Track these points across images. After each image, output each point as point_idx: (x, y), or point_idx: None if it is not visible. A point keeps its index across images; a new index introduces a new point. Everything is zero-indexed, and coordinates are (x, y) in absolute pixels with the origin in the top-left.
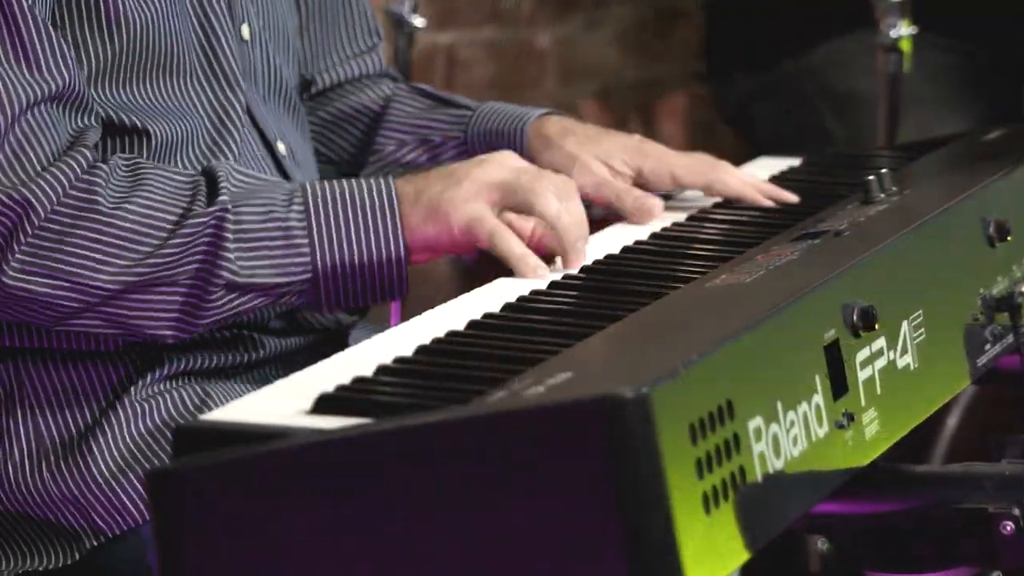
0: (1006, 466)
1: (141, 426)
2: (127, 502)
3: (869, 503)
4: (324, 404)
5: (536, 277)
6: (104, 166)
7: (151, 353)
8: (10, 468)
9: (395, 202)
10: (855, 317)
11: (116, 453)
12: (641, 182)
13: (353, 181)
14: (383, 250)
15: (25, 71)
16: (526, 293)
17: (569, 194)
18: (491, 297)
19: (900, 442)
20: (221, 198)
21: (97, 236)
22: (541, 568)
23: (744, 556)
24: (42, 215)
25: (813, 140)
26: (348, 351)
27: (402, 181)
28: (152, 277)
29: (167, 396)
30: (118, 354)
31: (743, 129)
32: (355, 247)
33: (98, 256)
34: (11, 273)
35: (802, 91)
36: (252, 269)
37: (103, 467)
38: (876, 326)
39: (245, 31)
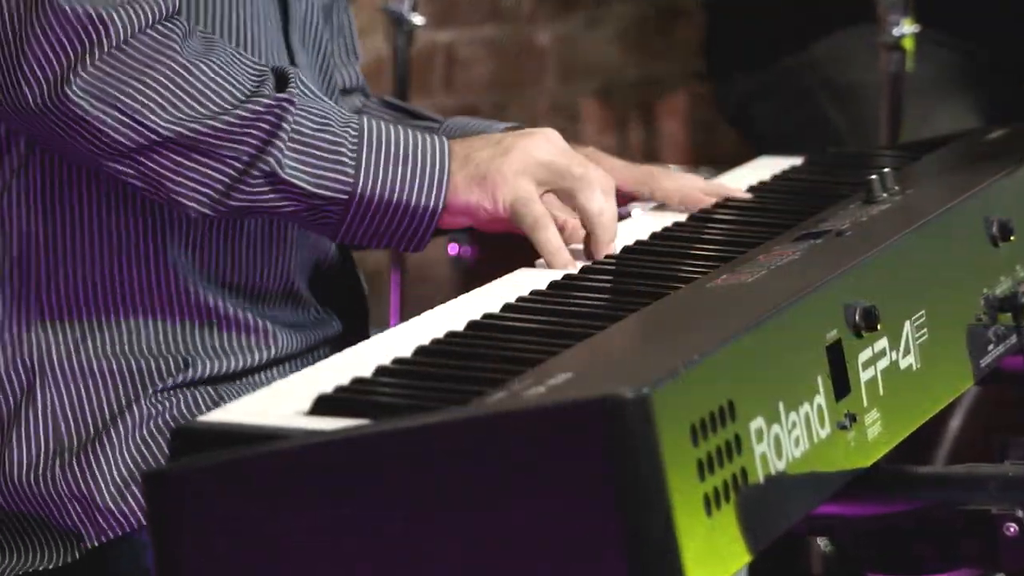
0: (1009, 467)
1: (151, 425)
2: (132, 503)
3: (871, 504)
4: (322, 405)
5: (564, 270)
6: (183, 22)
7: (168, 357)
8: (25, 466)
9: (446, 157)
10: (857, 317)
11: (127, 453)
12: None
13: (407, 128)
14: (423, 198)
15: None
16: (526, 294)
17: (611, 192)
18: (491, 297)
19: (903, 443)
20: (291, 90)
21: (168, 78)
22: (541, 571)
23: (746, 558)
24: (120, 38)
25: (816, 135)
26: (346, 351)
27: (452, 142)
28: (204, 140)
29: (180, 396)
30: (138, 354)
31: (744, 128)
32: (398, 185)
33: (163, 99)
34: (76, 90)
35: (803, 86)
36: (296, 169)
37: (113, 466)
38: (878, 326)
39: None
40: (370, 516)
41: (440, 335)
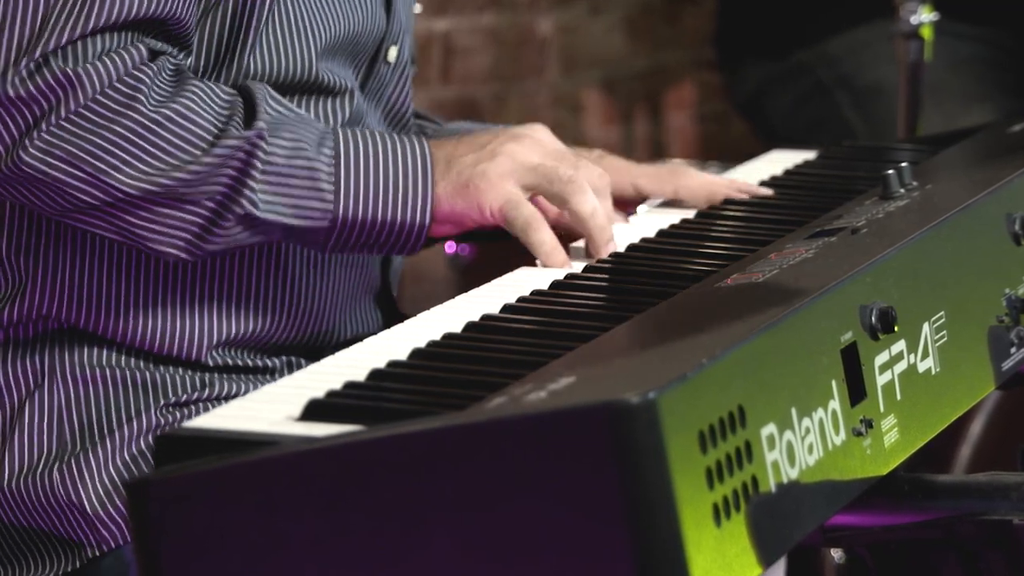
0: None
1: (150, 438)
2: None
3: (888, 514)
4: (314, 411)
5: (561, 268)
6: (152, 65)
7: (186, 376)
8: (25, 469)
9: (429, 168)
10: (874, 319)
11: (119, 461)
12: None
13: (386, 135)
14: (408, 215)
15: None
16: (526, 294)
17: (605, 191)
18: (490, 298)
19: (921, 450)
20: (259, 124)
21: (131, 136)
22: None
23: (757, 570)
24: (82, 100)
25: (830, 130)
26: (340, 354)
27: (434, 145)
28: (173, 191)
29: (193, 408)
30: (152, 369)
31: (756, 119)
32: (380, 205)
33: (126, 156)
34: (32, 151)
35: (818, 82)
36: (272, 205)
37: (104, 473)
38: (896, 328)
39: (392, 53)
40: (363, 526)
41: (437, 337)
